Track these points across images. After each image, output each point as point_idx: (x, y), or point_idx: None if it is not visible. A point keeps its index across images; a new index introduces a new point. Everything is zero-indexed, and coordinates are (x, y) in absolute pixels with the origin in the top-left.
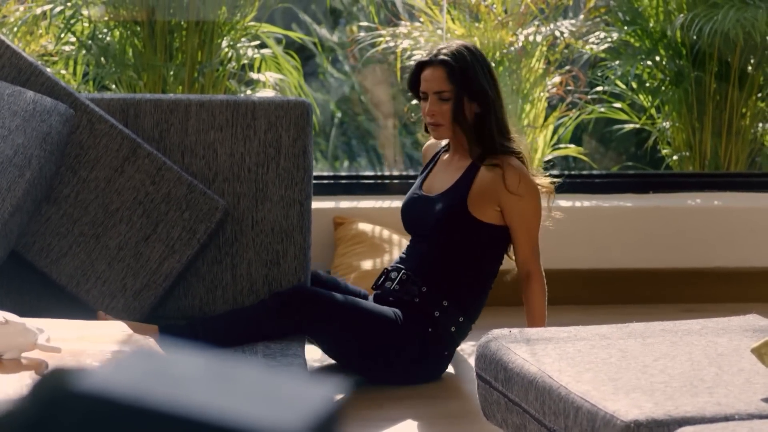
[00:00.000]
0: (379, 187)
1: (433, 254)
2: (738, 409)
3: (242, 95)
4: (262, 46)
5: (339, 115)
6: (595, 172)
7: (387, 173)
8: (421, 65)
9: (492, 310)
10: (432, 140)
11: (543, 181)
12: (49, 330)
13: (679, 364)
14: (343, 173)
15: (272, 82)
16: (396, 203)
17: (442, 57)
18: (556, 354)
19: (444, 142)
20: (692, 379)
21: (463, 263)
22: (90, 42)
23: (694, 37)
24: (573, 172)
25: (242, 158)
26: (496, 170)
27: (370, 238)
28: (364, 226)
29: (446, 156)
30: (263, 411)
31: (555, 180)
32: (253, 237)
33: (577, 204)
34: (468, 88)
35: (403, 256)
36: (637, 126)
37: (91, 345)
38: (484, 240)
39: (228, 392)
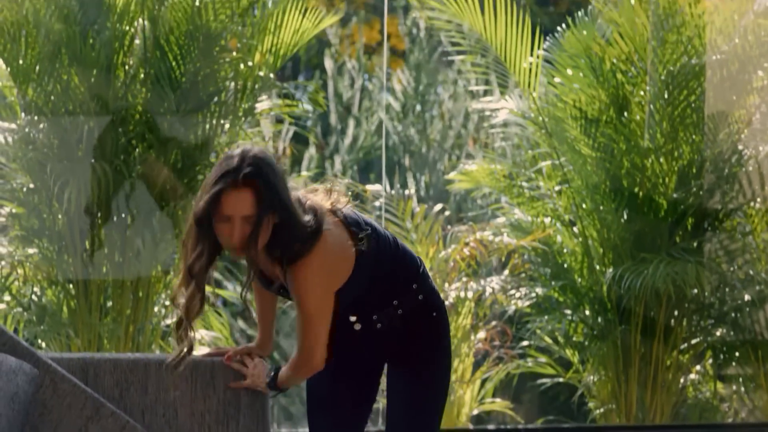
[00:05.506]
0: None
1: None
2: None
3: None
4: None
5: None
6: (530, 426)
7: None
8: (227, 187)
9: None
10: None
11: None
12: None
13: None
14: None
15: (208, 340)
16: None
17: (246, 178)
18: None
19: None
20: None
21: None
22: (29, 301)
23: (621, 292)
24: (508, 426)
25: (202, 416)
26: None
27: None
28: None
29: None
30: None
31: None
32: None
33: None
34: (271, 207)
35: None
36: (562, 380)
37: None
38: None
39: None
